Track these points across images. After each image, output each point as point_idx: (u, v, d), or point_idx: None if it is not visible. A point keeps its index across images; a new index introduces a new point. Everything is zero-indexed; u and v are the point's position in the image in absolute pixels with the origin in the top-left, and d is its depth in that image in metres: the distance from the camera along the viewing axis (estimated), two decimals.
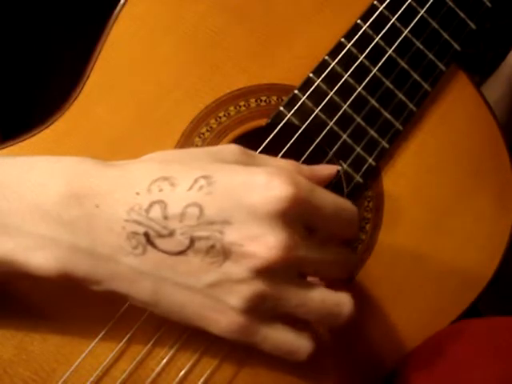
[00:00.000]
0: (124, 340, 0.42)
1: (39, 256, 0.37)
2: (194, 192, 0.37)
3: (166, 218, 0.36)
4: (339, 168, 0.47)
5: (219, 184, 0.37)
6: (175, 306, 0.38)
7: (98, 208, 0.37)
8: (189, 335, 0.43)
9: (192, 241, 0.36)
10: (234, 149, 0.41)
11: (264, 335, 0.39)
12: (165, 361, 0.43)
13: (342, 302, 0.40)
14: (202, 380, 0.43)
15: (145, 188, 0.37)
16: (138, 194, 0.37)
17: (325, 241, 0.40)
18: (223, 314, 0.38)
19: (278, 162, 0.43)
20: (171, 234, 0.36)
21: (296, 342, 0.40)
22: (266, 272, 0.37)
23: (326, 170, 0.45)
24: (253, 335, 0.39)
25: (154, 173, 0.37)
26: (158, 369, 0.43)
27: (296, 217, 0.37)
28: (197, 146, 0.46)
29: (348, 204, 0.40)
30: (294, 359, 0.41)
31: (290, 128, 0.47)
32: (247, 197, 0.37)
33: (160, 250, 0.37)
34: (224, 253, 0.37)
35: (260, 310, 0.38)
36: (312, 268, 0.40)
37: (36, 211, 0.37)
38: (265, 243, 0.36)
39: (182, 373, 0.43)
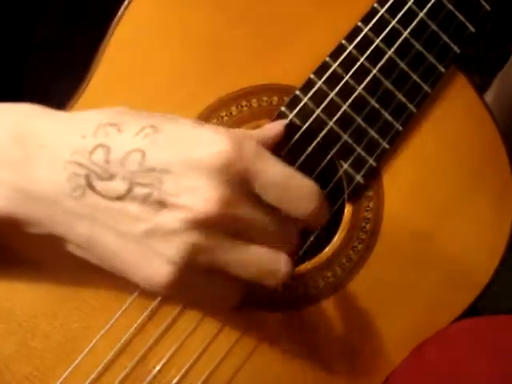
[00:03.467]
0: (125, 337, 0.42)
1: None
2: (139, 139, 0.36)
3: (107, 161, 0.36)
4: (286, 122, 0.46)
5: (165, 134, 0.37)
6: (108, 252, 0.38)
7: (41, 148, 0.37)
8: (190, 333, 0.44)
9: (130, 186, 0.36)
10: (186, 118, 0.41)
11: (193, 290, 0.39)
12: (166, 358, 0.43)
13: (278, 261, 0.39)
14: (202, 379, 0.44)
15: (91, 132, 0.37)
16: (83, 136, 0.37)
17: (272, 212, 0.39)
18: (153, 265, 0.37)
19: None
20: (111, 177, 0.36)
21: (224, 295, 0.40)
22: (199, 225, 0.36)
23: (273, 129, 0.45)
24: (181, 290, 0.38)
25: (103, 118, 0.37)
26: (159, 366, 0.43)
27: (237, 175, 0.37)
28: None
29: (302, 177, 0.39)
30: (220, 308, 0.41)
31: (291, 128, 0.47)
32: (191, 150, 0.36)
33: (99, 193, 0.36)
34: (160, 202, 0.36)
35: (191, 263, 0.37)
36: (249, 231, 0.38)
37: None
38: (200, 195, 0.36)
39: (183, 371, 0.43)
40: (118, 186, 0.36)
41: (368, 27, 0.48)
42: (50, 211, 0.37)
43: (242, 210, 0.37)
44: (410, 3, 0.49)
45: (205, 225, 0.36)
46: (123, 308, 0.43)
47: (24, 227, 0.38)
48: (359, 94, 0.48)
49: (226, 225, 0.37)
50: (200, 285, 0.39)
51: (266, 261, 0.39)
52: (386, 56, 0.48)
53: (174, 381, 0.43)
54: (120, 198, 0.36)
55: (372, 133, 0.48)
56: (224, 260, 0.38)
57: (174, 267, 0.37)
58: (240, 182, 0.37)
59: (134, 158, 0.36)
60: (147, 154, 0.36)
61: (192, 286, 0.39)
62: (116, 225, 0.37)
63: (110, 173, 0.36)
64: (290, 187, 0.38)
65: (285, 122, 0.47)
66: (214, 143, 0.36)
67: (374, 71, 0.48)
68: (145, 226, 0.37)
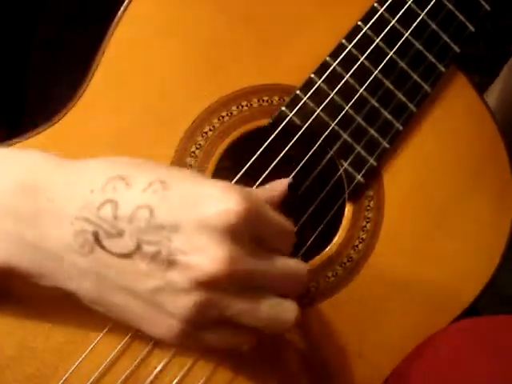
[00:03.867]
0: (126, 338, 0.42)
1: None
2: (148, 194, 0.36)
3: (115, 217, 0.36)
4: (290, 180, 0.45)
5: (174, 190, 0.37)
6: (117, 308, 0.38)
7: (50, 202, 0.37)
8: None
9: (139, 244, 0.36)
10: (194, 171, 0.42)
11: (203, 339, 0.39)
12: (167, 359, 0.43)
13: (287, 309, 0.40)
14: (203, 379, 0.43)
15: (100, 186, 0.37)
16: (92, 191, 0.37)
17: (271, 253, 0.40)
18: (163, 320, 0.38)
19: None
20: (119, 234, 0.36)
21: (237, 341, 0.40)
22: (209, 284, 0.37)
23: (279, 186, 0.44)
24: (192, 339, 0.39)
25: (112, 171, 0.37)
26: (159, 367, 0.43)
27: (245, 231, 0.37)
28: (200, 145, 0.46)
29: (289, 222, 0.41)
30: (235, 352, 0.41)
31: (291, 128, 0.47)
32: (199, 207, 0.36)
33: (107, 250, 0.36)
34: (169, 260, 0.36)
35: (201, 319, 0.38)
36: (259, 282, 0.39)
37: None
38: (209, 255, 0.36)
39: (184, 371, 0.43)
40: (126, 243, 0.36)
41: (367, 26, 0.48)
42: (57, 266, 0.37)
43: (248, 265, 0.38)
44: (409, 2, 0.49)
45: (214, 284, 0.37)
46: None
47: (30, 279, 0.38)
48: (359, 93, 0.48)
49: (234, 282, 0.38)
50: (211, 335, 0.39)
51: (275, 312, 0.39)
52: (386, 55, 0.49)
53: (176, 380, 0.43)
54: (128, 255, 0.36)
55: (372, 132, 0.48)
56: (232, 314, 0.38)
57: (183, 324, 0.38)
58: (247, 236, 0.38)
59: (142, 214, 0.36)
60: (155, 210, 0.36)
61: (204, 338, 0.39)
62: (124, 282, 0.37)
63: (117, 229, 0.36)
64: (286, 232, 0.41)
65: (288, 180, 0.45)
66: (223, 200, 0.37)
67: (375, 71, 0.48)
68: (153, 284, 0.37)
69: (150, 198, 0.36)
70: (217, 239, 0.36)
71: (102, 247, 0.36)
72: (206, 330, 0.39)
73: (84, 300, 0.39)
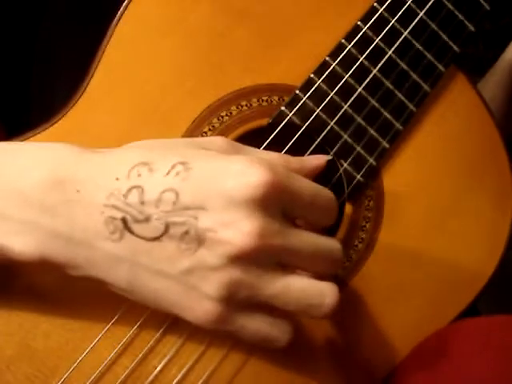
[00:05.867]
0: (127, 336, 0.42)
1: (20, 240, 0.37)
2: (171, 177, 0.37)
3: (142, 203, 0.37)
4: (329, 158, 0.45)
5: (196, 170, 0.37)
6: (150, 293, 0.38)
7: (78, 193, 0.37)
8: (191, 333, 0.44)
9: (167, 226, 0.36)
10: (218, 139, 0.41)
11: (240, 324, 0.39)
12: (167, 358, 0.43)
13: (324, 292, 0.39)
14: (203, 378, 0.43)
15: (124, 173, 0.37)
16: (117, 179, 0.37)
17: (304, 230, 0.39)
18: (198, 301, 0.37)
19: (264, 153, 0.42)
20: (147, 219, 0.37)
21: (274, 331, 0.39)
22: (241, 259, 0.36)
23: (315, 160, 0.45)
24: (229, 324, 0.38)
25: (134, 158, 0.38)
26: (160, 366, 0.43)
27: (273, 204, 0.37)
28: None
29: (325, 190, 0.40)
30: (272, 347, 0.40)
31: (291, 128, 0.47)
32: (223, 183, 0.36)
33: (136, 235, 0.37)
34: (198, 239, 0.36)
35: (236, 298, 0.37)
36: (291, 258, 0.39)
37: (18, 196, 0.37)
38: (239, 229, 0.36)
39: (184, 370, 0.43)
40: (155, 227, 0.37)
41: (367, 26, 0.49)
42: (89, 255, 0.37)
43: (280, 239, 0.37)
44: (409, 2, 0.49)
45: (246, 258, 0.36)
46: (125, 307, 0.43)
47: (63, 270, 0.38)
48: (359, 93, 0.48)
49: (267, 256, 0.37)
50: (247, 321, 0.39)
51: (310, 291, 0.39)
52: (386, 55, 0.49)
53: (176, 380, 0.43)
54: (157, 238, 0.37)
55: (372, 132, 0.48)
56: (267, 293, 0.38)
57: (217, 304, 0.37)
58: (277, 210, 0.37)
59: (167, 197, 0.36)
60: (180, 192, 0.36)
61: (239, 324, 0.39)
62: (155, 265, 0.37)
63: (145, 214, 0.37)
64: (321, 201, 0.40)
65: (327, 157, 0.45)
66: (246, 173, 0.36)
67: (374, 70, 0.48)
68: (184, 264, 0.37)
69: (173, 180, 0.37)
70: (245, 213, 0.36)
71: (132, 232, 0.37)
72: (241, 315, 0.38)
73: (118, 289, 0.39)
